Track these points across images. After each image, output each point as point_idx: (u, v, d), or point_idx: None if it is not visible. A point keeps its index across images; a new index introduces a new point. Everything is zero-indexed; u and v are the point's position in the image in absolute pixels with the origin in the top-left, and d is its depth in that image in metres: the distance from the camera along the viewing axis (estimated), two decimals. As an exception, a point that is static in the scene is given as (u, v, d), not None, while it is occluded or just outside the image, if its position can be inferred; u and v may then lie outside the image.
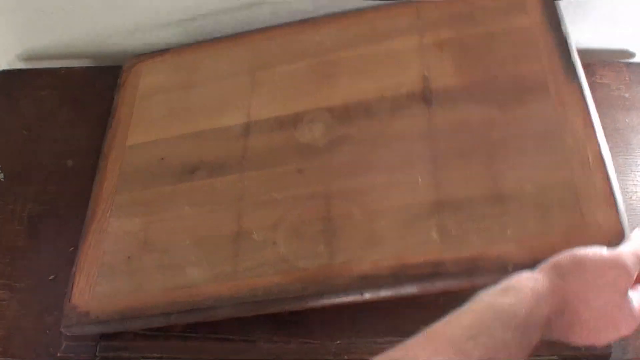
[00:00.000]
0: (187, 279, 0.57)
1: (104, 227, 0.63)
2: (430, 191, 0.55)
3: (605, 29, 0.75)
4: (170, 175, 0.64)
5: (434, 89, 0.60)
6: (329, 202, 0.57)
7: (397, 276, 0.52)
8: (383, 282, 0.52)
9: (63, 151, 0.73)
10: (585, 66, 0.73)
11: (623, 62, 0.74)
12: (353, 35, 0.67)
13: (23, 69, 0.83)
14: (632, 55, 0.77)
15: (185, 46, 0.75)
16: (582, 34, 0.74)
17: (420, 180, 0.56)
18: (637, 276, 0.44)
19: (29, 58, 0.84)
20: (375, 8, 0.68)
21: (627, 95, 0.71)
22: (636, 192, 0.64)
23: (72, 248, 0.64)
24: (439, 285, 0.51)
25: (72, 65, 0.82)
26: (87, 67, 0.82)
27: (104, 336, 0.59)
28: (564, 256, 0.44)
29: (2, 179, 0.72)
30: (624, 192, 0.63)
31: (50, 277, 0.64)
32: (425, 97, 0.60)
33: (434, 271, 0.51)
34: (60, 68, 0.81)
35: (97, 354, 0.59)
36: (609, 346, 0.54)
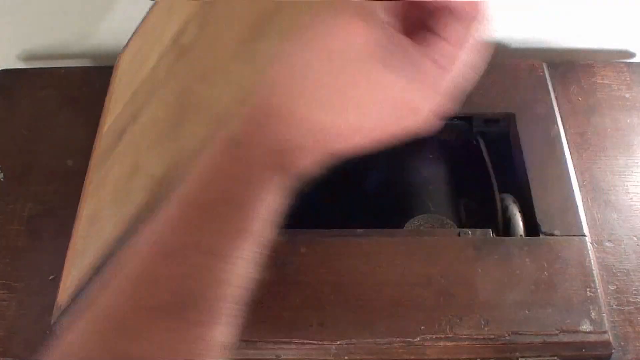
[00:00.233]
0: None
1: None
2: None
3: (606, 29, 0.75)
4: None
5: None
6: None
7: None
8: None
9: (63, 151, 0.73)
10: (586, 66, 0.73)
11: (624, 62, 0.74)
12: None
13: (23, 68, 0.82)
14: (632, 55, 0.77)
15: (185, 46, 0.74)
16: (582, 34, 0.74)
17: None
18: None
19: (29, 58, 0.84)
20: None
21: (628, 95, 0.70)
22: (637, 193, 0.63)
23: (72, 248, 0.63)
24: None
25: (72, 65, 0.82)
26: (87, 67, 0.82)
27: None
28: None
29: (2, 179, 0.72)
30: (625, 192, 0.63)
31: (50, 277, 0.64)
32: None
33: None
34: (60, 68, 0.81)
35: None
36: (609, 346, 0.53)
